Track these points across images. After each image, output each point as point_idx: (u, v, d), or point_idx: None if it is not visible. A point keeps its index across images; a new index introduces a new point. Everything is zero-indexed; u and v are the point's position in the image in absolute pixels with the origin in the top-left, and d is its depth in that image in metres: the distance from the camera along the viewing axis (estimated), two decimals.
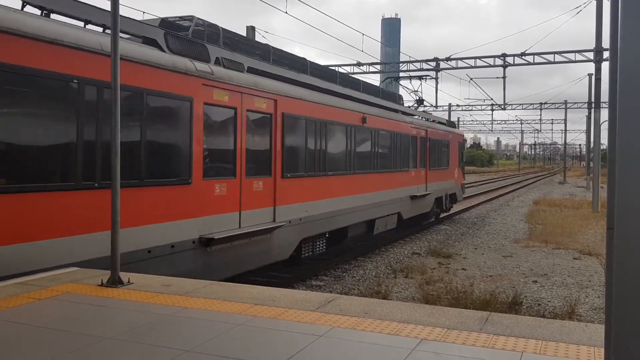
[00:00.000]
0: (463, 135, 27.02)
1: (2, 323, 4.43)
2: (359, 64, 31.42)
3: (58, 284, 5.74)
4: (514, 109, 53.54)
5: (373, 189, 14.67)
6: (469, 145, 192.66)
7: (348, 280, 11.69)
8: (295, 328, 4.38)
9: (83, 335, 4.18)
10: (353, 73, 31.83)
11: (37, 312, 4.78)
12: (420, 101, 24.13)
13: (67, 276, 6.13)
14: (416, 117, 20.21)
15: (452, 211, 24.96)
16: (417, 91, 24.58)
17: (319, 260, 13.27)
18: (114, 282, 5.78)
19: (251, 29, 30.75)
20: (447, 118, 36.89)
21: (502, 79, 32.75)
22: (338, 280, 11.58)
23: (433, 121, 22.08)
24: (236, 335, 4.22)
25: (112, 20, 5.95)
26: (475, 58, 30.23)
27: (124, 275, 5.94)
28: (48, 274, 6.19)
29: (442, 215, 23.07)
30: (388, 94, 18.77)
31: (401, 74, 31.42)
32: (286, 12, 23.47)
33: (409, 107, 22.51)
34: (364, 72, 32.18)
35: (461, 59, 30.51)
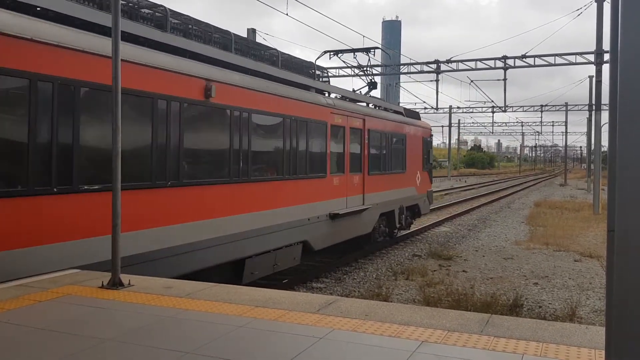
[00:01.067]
0: (429, 129, 19.96)
1: (2, 325, 4.43)
2: (359, 66, 31.41)
3: (59, 285, 5.74)
4: (514, 111, 53.49)
5: (251, 207, 9.60)
6: (469, 147, 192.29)
7: (349, 282, 11.68)
8: (296, 330, 4.38)
9: (83, 337, 4.18)
10: (354, 75, 31.84)
11: (38, 314, 4.78)
12: (372, 85, 17.37)
13: (68, 278, 6.13)
14: (348, 100, 14.21)
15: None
16: (365, 70, 19.02)
17: (319, 262, 13.25)
18: (115, 284, 5.78)
19: (252, 32, 30.82)
20: (448, 120, 36.22)
21: (502, 81, 32.78)
22: (339, 283, 11.58)
23: (379, 108, 16.22)
24: (237, 337, 4.22)
25: (113, 23, 5.96)
26: (476, 60, 30.26)
27: (124, 277, 5.93)
28: (49, 275, 6.19)
29: (397, 234, 17.57)
30: (296, 63, 12.85)
31: (341, 47, 26.05)
32: (287, 14, 23.54)
33: (360, 93, 16.58)
34: (365, 75, 32.17)
35: (462, 61, 30.54)
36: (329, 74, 15.43)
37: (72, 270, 6.55)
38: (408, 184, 17.32)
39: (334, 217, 12.23)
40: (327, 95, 13.16)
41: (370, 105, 15.58)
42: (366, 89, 17.37)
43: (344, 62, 22.60)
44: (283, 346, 4.06)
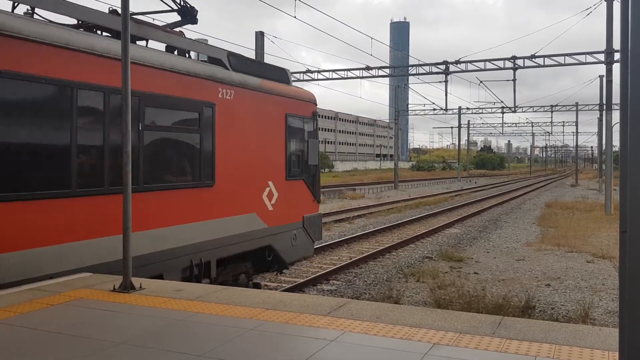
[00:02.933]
0: (309, 103, 11.50)
1: (15, 329, 4.47)
2: (367, 68, 31.41)
3: (71, 289, 5.79)
4: (524, 112, 53.22)
5: None
6: (479, 149, 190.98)
7: (359, 284, 11.67)
8: (307, 333, 4.38)
9: (95, 340, 4.20)
10: (363, 77, 31.84)
11: (50, 317, 4.81)
12: (185, 12, 9.35)
13: (79, 282, 6.17)
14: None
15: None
16: None
17: (330, 264, 13.25)
18: (126, 287, 5.82)
19: (260, 35, 30.96)
20: (457, 121, 35.73)
21: (512, 82, 32.64)
22: (349, 285, 11.56)
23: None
24: (247, 340, 4.22)
25: (123, 26, 5.99)
26: (484, 61, 30.14)
27: (135, 281, 5.97)
28: (61, 279, 6.24)
29: None
30: None
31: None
32: (295, 17, 23.60)
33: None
34: (373, 76, 32.15)
35: (470, 61, 30.43)
36: None
37: (84, 273, 6.60)
38: (232, 208, 9.13)
39: None
40: None
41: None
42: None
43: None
44: (294, 349, 4.06)
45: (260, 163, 9.77)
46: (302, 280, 11.24)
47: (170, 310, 5.03)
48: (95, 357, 3.87)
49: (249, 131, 9.48)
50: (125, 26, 6.02)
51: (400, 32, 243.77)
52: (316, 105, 11.86)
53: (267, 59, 30.71)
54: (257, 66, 10.36)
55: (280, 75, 10.85)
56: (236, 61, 9.49)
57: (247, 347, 4.09)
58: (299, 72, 31.92)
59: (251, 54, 30.20)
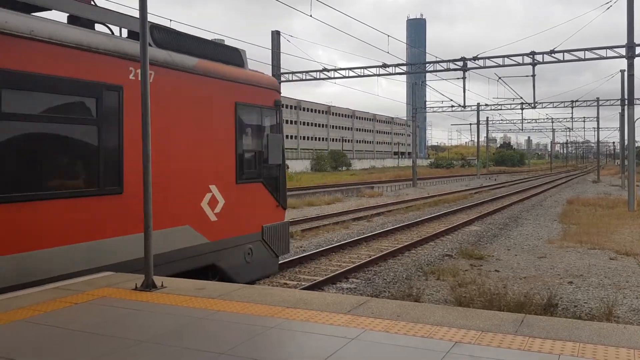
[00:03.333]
0: (271, 90, 9.80)
1: (39, 327, 4.55)
2: (384, 66, 31.27)
3: (93, 288, 5.86)
4: (544, 107, 52.60)
5: None
6: (498, 145, 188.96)
7: (379, 282, 11.63)
8: (328, 331, 4.38)
9: (118, 338, 4.25)
10: (379, 74, 31.73)
11: (74, 316, 4.88)
12: None
13: (102, 280, 6.25)
14: None
15: (483, 211, 23.61)
16: None
17: (349, 262, 13.24)
18: (148, 285, 5.87)
19: (276, 34, 31.04)
20: (476, 118, 35.30)
21: (531, 77, 32.22)
22: (369, 283, 11.54)
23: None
24: (268, 339, 4.24)
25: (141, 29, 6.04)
26: (503, 57, 29.79)
27: (157, 279, 6.02)
28: (84, 278, 6.33)
29: None
30: None
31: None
32: (311, 15, 23.62)
33: None
34: (390, 74, 32.00)
35: (489, 57, 30.11)
36: None
37: (107, 272, 6.68)
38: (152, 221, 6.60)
39: None
40: None
41: None
42: None
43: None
44: (315, 347, 4.06)
45: (197, 164, 8.05)
46: (321, 279, 11.25)
47: (191, 309, 5.07)
48: (118, 355, 3.92)
49: (178, 123, 7.73)
50: (143, 29, 6.08)
51: (416, 29, 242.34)
52: (279, 93, 9.98)
53: (283, 58, 30.78)
54: (194, 44, 8.45)
55: (231, 56, 9.10)
56: (163, 36, 7.86)
57: (268, 345, 4.11)
58: (316, 71, 31.91)
59: (267, 54, 30.35)
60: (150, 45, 7.14)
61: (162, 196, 7.39)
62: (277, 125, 9.82)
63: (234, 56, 9.23)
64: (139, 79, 6.43)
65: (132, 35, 7.64)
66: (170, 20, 20.61)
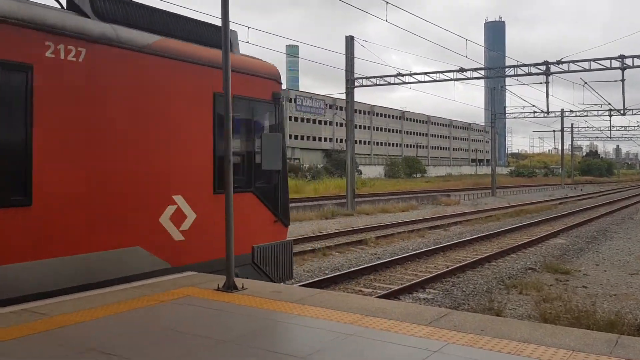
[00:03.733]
0: (268, 80, 8.24)
1: (129, 323, 4.75)
2: (461, 70, 30.52)
3: (178, 287, 6.07)
4: (634, 114, 49.21)
5: None
6: (584, 154, 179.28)
7: (457, 294, 11.30)
8: (408, 342, 4.28)
9: (200, 337, 4.36)
10: (456, 79, 31.01)
11: (160, 313, 5.07)
12: None
13: (186, 280, 6.47)
14: None
15: (566, 224, 22.03)
16: None
17: (425, 272, 12.97)
18: (229, 287, 6.01)
19: (350, 39, 31.08)
20: (560, 125, 33.61)
21: (620, 82, 30.35)
22: (447, 294, 11.23)
23: None
24: (348, 346, 4.19)
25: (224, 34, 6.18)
26: (589, 60, 28.26)
27: (237, 281, 6.15)
28: (169, 277, 6.58)
29: None
30: None
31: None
32: (386, 20, 23.49)
33: None
34: (467, 78, 31.18)
35: (574, 61, 28.65)
36: None
37: (190, 272, 6.91)
38: (78, 242, 5.85)
39: None
40: None
41: None
42: None
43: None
44: (396, 357, 3.97)
45: (153, 167, 6.57)
46: (397, 287, 11.07)
47: (271, 311, 5.12)
48: (201, 354, 4.01)
49: (122, 115, 6.24)
50: (226, 36, 6.25)
51: (495, 32, 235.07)
52: (280, 83, 8.44)
53: (357, 63, 30.76)
54: (155, 18, 6.91)
55: (210, 36, 7.51)
56: (107, 6, 6.37)
57: (348, 352, 4.06)
58: (390, 76, 31.67)
59: (341, 59, 30.46)
60: (87, 16, 6.07)
61: (94, 208, 5.93)
62: (276, 123, 8.30)
63: (213, 36, 7.44)
64: (63, 57, 5.59)
65: (72, 6, 6.17)
66: (248, 27, 21.05)
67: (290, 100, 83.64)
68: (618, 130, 76.45)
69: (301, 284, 10.32)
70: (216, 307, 5.30)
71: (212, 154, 7.25)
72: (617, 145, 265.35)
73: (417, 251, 15.45)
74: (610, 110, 47.07)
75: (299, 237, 17.33)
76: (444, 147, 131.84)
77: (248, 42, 21.13)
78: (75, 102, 5.78)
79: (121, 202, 6.24)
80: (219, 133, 7.18)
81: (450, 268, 13.31)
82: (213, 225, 7.10)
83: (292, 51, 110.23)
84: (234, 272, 6.15)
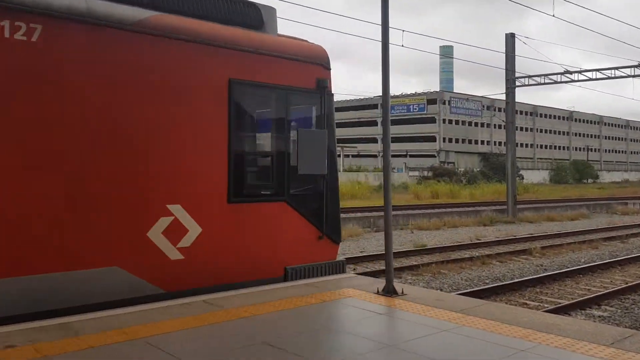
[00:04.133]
0: (310, 64, 6.91)
1: (293, 319, 4.97)
2: None
3: (339, 288, 6.22)
4: None
5: None
6: None
7: (639, 313, 10.09)
8: None
9: (362, 338, 4.42)
10: (634, 75, 27.77)
11: (322, 312, 5.24)
12: None
13: (346, 281, 6.61)
14: None
15: None
16: None
17: (600, 287, 11.79)
18: (389, 291, 6.01)
19: (510, 37, 29.41)
20: None
21: None
22: (626, 313, 10.08)
23: None
24: None
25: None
26: None
27: (397, 286, 6.13)
28: (330, 277, 6.78)
29: None
30: None
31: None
32: (553, 15, 21.90)
33: None
34: None
35: None
36: None
37: (350, 274, 7.05)
38: (24, 259, 4.86)
39: None
40: None
41: None
42: None
43: None
44: None
45: (142, 171, 5.51)
46: (567, 302, 10.20)
47: (434, 319, 5.01)
48: (370, 356, 4.05)
49: (93, 109, 5.23)
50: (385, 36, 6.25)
51: None
52: (327, 68, 7.09)
53: (518, 61, 29.04)
54: None
55: (227, 11, 6.37)
56: None
57: None
58: (556, 74, 29.40)
59: (500, 58, 28.92)
60: None
61: (49, 218, 4.95)
62: (322, 117, 6.96)
63: (242, 13, 6.47)
64: (8, 35, 4.66)
65: None
66: (403, 30, 20.93)
67: (444, 103, 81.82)
68: None
69: (460, 292, 9.99)
70: (378, 311, 5.33)
71: (227, 154, 6.03)
72: None
73: (590, 264, 14.11)
74: None
75: (455, 244, 16.85)
76: (619, 150, 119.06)
77: (402, 45, 21.07)
78: (28, 92, 4.84)
79: (92, 212, 5.16)
80: (235, 128, 6.10)
81: (629, 284, 11.94)
82: (227, 241, 6.02)
83: (446, 52, 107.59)
84: (393, 277, 6.14)
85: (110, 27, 5.26)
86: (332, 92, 7.09)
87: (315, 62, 6.94)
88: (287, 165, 6.54)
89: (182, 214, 5.70)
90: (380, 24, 6.29)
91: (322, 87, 6.89)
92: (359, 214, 20.83)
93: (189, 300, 5.52)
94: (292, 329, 4.68)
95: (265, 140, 6.75)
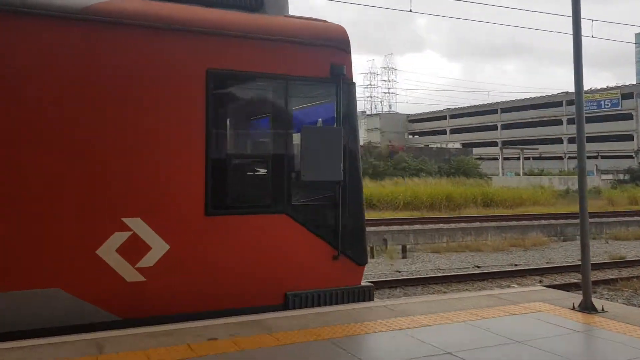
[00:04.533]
0: (321, 48, 5.72)
1: (478, 330, 4.75)
2: None
3: (527, 301, 5.82)
4: None
5: None
6: None
7: None
8: None
9: (558, 356, 4.05)
10: None
11: (510, 326, 4.93)
12: None
13: (535, 295, 6.17)
14: None
15: None
16: None
17: None
18: (587, 307, 5.47)
19: None
20: None
21: None
22: None
23: None
24: None
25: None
26: None
27: (596, 302, 5.55)
28: (517, 289, 6.38)
29: None
30: None
31: None
32: None
33: None
34: None
35: None
36: None
37: (538, 286, 6.57)
38: None
39: None
40: None
41: None
42: None
43: None
44: None
45: (88, 177, 4.78)
46: None
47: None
48: None
49: (23, 106, 4.61)
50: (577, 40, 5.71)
51: None
52: (346, 52, 5.82)
53: None
54: None
55: None
56: None
57: None
58: None
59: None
60: None
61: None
62: (337, 111, 5.73)
63: None
64: None
65: None
66: (592, 20, 18.99)
67: None
68: None
69: None
70: (576, 329, 4.87)
71: (204, 157, 5.14)
72: None
73: None
74: None
75: None
76: None
77: (592, 36, 19.18)
78: None
79: (28, 224, 4.59)
80: (216, 126, 5.25)
81: None
82: (203, 261, 5.13)
83: None
84: (591, 292, 5.57)
85: (50, 17, 4.66)
86: (353, 80, 5.83)
87: (329, 44, 5.73)
88: (288, 171, 5.55)
89: (142, 228, 4.89)
90: (572, 15, 5.79)
91: (338, 75, 5.68)
92: (543, 222, 19.34)
93: (371, 305, 5.59)
94: (472, 339, 4.48)
95: (259, 141, 5.92)
